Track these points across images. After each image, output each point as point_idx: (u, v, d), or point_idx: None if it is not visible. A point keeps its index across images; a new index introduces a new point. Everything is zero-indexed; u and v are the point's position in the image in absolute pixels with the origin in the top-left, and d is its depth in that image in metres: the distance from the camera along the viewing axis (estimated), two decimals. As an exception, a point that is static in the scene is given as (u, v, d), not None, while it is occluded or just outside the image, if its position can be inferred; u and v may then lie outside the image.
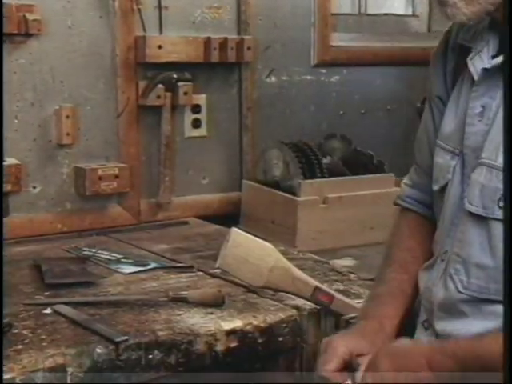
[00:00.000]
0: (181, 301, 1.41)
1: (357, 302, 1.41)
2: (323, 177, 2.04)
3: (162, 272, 1.63)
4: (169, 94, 2.06)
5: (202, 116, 2.18)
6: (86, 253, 1.76)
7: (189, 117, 2.16)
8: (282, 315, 1.39)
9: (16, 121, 1.91)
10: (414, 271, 1.22)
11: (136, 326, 1.30)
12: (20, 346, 1.20)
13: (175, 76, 2.06)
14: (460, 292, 1.09)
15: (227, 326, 1.32)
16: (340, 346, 1.11)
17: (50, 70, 1.94)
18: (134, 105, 2.04)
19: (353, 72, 2.40)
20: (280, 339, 1.37)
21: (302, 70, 2.32)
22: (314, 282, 1.43)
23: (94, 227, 2.01)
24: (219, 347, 1.30)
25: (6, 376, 1.11)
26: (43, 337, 1.25)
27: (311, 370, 1.18)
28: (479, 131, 1.09)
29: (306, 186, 1.99)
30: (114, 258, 1.72)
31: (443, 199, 1.16)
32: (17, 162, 1.88)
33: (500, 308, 1.05)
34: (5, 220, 1.78)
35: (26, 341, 1.23)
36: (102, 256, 1.73)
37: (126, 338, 1.24)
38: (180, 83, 2.06)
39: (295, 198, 1.98)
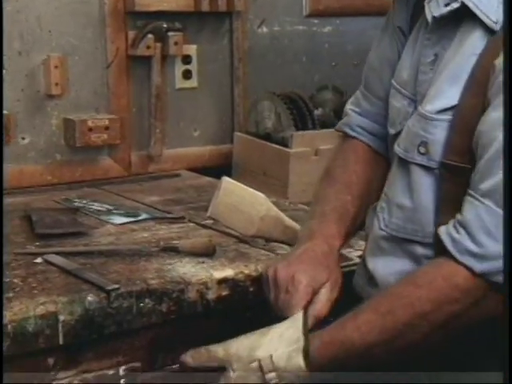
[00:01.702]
0: (172, 250, 1.41)
1: (347, 251, 1.41)
2: (315, 128, 2.02)
3: (153, 223, 1.62)
4: (159, 45, 2.03)
5: (193, 67, 2.15)
6: (76, 204, 1.75)
7: (179, 68, 2.13)
8: (273, 264, 1.39)
9: (4, 71, 1.88)
10: (357, 194, 1.23)
11: (127, 275, 1.29)
12: (11, 294, 1.20)
13: (165, 26, 2.02)
14: (381, 229, 1.12)
15: (218, 274, 1.32)
16: (303, 284, 1.12)
17: (37, 19, 1.91)
18: (123, 55, 2.01)
19: (345, 22, 2.36)
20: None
21: (293, 21, 2.29)
22: (306, 232, 1.43)
23: (84, 179, 2.00)
24: (210, 295, 1.30)
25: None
26: (34, 285, 1.25)
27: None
28: (429, 79, 1.09)
29: (297, 137, 1.97)
30: (104, 209, 1.71)
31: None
32: (5, 111, 1.85)
33: (416, 248, 1.08)
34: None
35: (16, 289, 1.23)
36: (93, 207, 1.72)
37: (117, 286, 1.23)
38: (170, 33, 2.03)
39: (287, 149, 1.97)
